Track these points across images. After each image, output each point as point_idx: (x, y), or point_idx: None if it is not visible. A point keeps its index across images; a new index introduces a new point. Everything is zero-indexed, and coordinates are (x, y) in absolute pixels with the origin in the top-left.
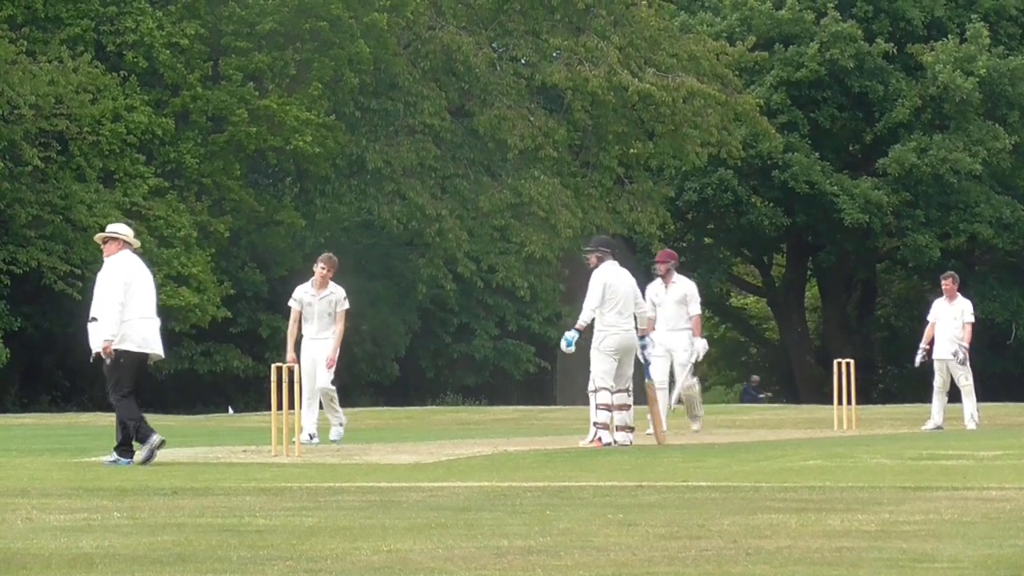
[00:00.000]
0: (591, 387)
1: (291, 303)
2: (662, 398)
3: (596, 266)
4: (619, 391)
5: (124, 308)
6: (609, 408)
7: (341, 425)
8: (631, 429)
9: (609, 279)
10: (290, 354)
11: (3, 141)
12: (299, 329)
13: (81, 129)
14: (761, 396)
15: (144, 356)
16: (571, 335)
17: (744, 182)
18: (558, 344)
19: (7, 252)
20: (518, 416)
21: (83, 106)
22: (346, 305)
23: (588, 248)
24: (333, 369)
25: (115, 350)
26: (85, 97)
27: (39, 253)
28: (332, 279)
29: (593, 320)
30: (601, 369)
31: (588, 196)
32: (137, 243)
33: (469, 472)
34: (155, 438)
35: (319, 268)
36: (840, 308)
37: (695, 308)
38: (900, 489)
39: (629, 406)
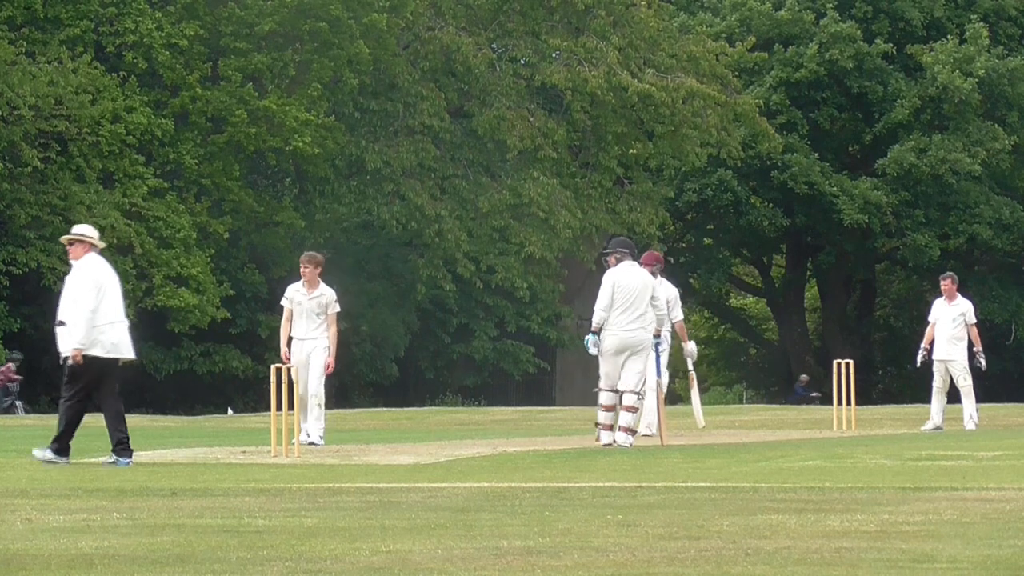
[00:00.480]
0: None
1: (283, 302)
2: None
3: (614, 267)
4: (628, 392)
5: (95, 314)
6: (610, 408)
7: (321, 437)
8: (632, 432)
9: (617, 279)
10: (284, 349)
11: (3, 142)
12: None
13: (80, 130)
14: (813, 395)
15: (114, 360)
16: (589, 338)
17: (743, 183)
18: (557, 344)
19: (7, 253)
20: (517, 417)
21: (83, 107)
22: (337, 308)
23: (607, 250)
24: (322, 376)
25: (83, 356)
26: (84, 98)
27: (38, 254)
28: (321, 276)
29: None
30: (602, 370)
31: (587, 197)
32: (102, 244)
33: (468, 473)
34: (65, 460)
35: (303, 268)
36: (839, 308)
37: (678, 314)
38: (899, 490)
39: (636, 408)
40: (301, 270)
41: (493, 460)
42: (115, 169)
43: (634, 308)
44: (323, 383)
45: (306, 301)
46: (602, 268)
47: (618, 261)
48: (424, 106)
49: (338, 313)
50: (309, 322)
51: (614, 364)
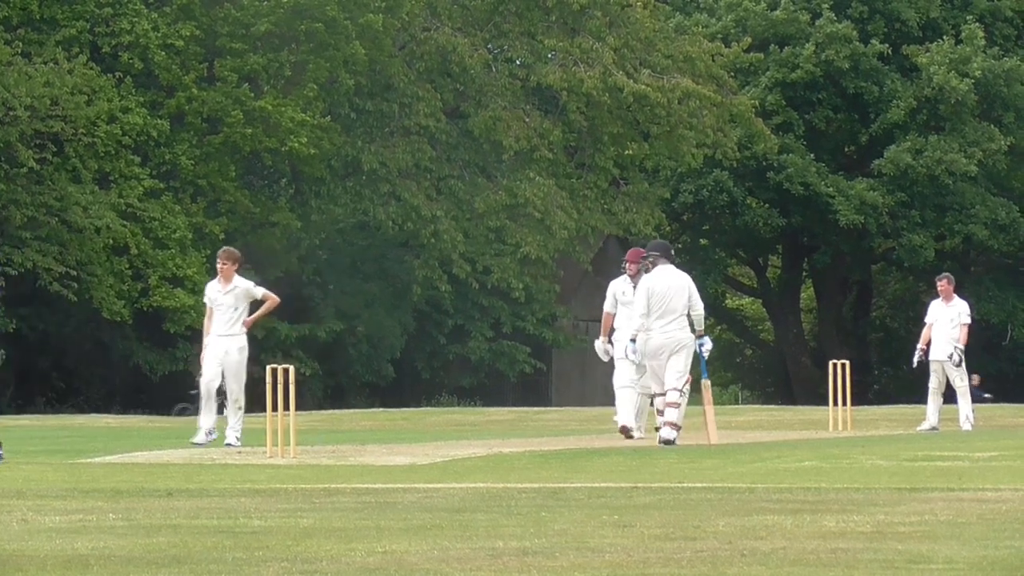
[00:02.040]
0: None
1: (204, 299)
2: (630, 396)
3: (650, 272)
4: (671, 389)
5: None
6: (660, 411)
7: (238, 438)
8: (677, 427)
9: (651, 284)
10: (205, 343)
11: None
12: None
13: (76, 131)
14: (986, 396)
15: None
16: (628, 344)
17: (739, 183)
18: (553, 345)
19: (2, 253)
20: (513, 417)
21: (78, 107)
22: (259, 290)
23: (645, 254)
24: (241, 379)
25: None
26: (80, 98)
27: (34, 254)
28: (237, 272)
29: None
30: (648, 372)
31: (583, 197)
32: None
33: (464, 473)
34: None
35: (219, 264)
36: (835, 309)
37: None
38: (895, 490)
39: (679, 404)
40: (217, 265)
41: (489, 461)
42: (111, 170)
43: (669, 311)
44: (242, 386)
45: (220, 297)
46: (600, 270)
47: (653, 265)
48: (420, 107)
49: (267, 293)
50: (225, 317)
51: (654, 365)
